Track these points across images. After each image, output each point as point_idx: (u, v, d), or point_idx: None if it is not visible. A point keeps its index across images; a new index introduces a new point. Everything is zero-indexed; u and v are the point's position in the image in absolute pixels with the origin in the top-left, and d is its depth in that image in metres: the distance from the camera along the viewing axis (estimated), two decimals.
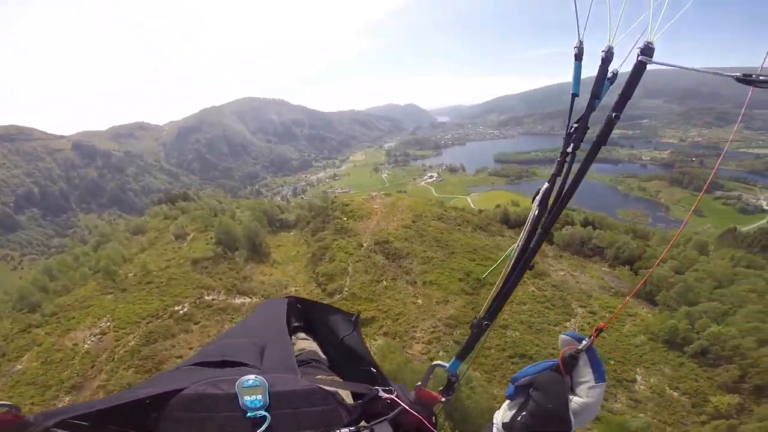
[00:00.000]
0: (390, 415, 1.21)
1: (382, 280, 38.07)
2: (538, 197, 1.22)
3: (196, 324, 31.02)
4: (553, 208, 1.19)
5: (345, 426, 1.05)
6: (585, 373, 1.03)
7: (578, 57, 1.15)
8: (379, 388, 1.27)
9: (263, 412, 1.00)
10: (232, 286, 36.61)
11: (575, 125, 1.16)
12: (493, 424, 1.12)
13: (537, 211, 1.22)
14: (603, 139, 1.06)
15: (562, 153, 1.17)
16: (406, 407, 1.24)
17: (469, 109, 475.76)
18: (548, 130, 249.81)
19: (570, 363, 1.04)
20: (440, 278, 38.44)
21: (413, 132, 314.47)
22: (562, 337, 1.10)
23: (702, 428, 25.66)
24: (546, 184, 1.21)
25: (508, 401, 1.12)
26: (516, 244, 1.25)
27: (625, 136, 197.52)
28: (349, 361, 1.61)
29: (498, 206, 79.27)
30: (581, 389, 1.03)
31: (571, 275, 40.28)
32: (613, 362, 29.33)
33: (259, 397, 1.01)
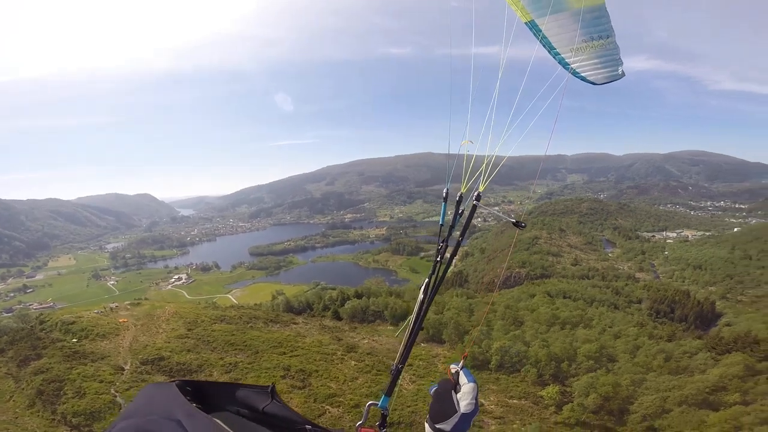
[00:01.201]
0: None
1: None
2: (422, 287, 2.31)
3: None
4: (430, 293, 2.31)
5: None
6: (463, 378, 1.89)
7: (445, 199, 2.56)
8: None
9: None
10: None
11: (442, 243, 2.47)
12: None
13: (422, 296, 2.31)
14: (452, 256, 2.38)
15: (434, 258, 2.36)
16: None
17: (216, 201, 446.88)
18: (296, 219, 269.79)
19: (455, 375, 1.92)
20: (259, 381, 34.47)
21: (149, 228, 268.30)
22: (451, 366, 1.97)
23: (559, 414, 32.17)
24: (426, 279, 2.31)
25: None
26: (411, 317, 2.23)
27: (354, 219, 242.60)
28: (275, 429, 1.69)
29: (274, 298, 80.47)
30: (462, 388, 1.87)
31: (373, 341, 45.57)
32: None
33: None
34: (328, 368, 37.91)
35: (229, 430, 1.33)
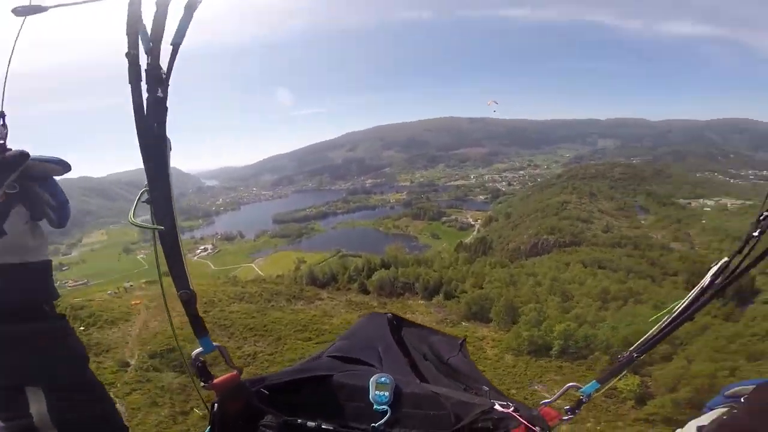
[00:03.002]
0: (502, 428, 1.26)
1: (194, 409, 26.77)
2: (715, 269, 1.48)
3: None
4: (728, 281, 1.46)
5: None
6: None
7: None
8: (496, 402, 1.33)
9: (387, 408, 1.20)
10: None
11: (766, 213, 1.39)
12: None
13: (708, 281, 1.50)
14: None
15: (747, 236, 1.40)
16: (523, 422, 1.26)
17: (240, 171, 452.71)
18: (318, 186, 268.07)
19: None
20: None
21: (176, 200, 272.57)
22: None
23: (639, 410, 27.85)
24: (725, 258, 1.47)
25: (708, 410, 1.29)
26: (683, 301, 1.53)
27: (375, 185, 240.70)
28: (453, 380, 1.72)
29: (297, 268, 76.47)
30: None
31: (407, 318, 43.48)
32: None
33: (387, 393, 1.21)
34: None
35: (408, 370, 1.48)
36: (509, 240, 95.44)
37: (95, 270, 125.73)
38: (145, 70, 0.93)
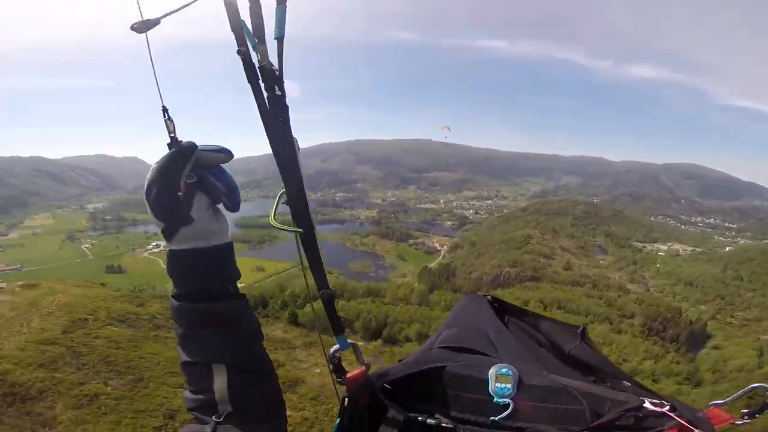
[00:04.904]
0: (652, 428, 1.08)
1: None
2: None
3: None
4: None
5: (589, 430, 1.04)
6: None
7: None
8: (645, 399, 1.13)
9: (509, 401, 1.09)
10: None
11: None
12: None
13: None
14: None
15: None
16: (682, 422, 1.07)
17: None
18: None
19: None
20: (116, 431, 23.86)
21: (133, 191, 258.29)
22: None
23: None
24: None
25: None
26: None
27: (345, 199, 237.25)
28: (582, 372, 1.53)
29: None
30: None
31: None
32: None
33: (509, 385, 1.10)
34: None
35: (530, 358, 1.37)
36: (473, 269, 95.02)
37: (32, 256, 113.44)
38: (258, 67, 0.90)
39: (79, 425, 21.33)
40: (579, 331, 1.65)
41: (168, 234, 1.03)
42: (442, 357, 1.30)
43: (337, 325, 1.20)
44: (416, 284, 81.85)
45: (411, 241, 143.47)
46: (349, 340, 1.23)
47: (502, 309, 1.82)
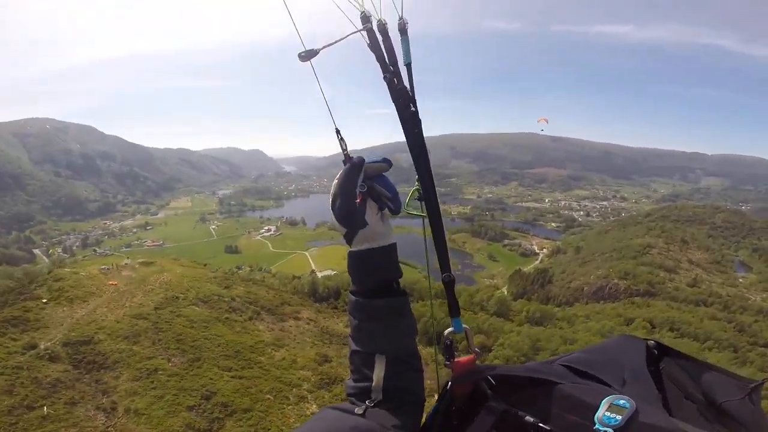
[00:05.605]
0: None
1: (39, 406, 22.52)
2: None
3: None
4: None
5: None
6: None
7: None
8: None
9: (611, 430, 1.01)
10: None
11: None
12: None
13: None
14: None
15: None
16: None
17: (316, 161, 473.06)
18: None
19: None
20: (155, 405, 24.46)
21: (255, 180, 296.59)
22: None
23: None
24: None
25: None
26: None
27: (439, 193, 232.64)
28: (723, 426, 1.34)
29: (312, 272, 75.78)
30: None
31: None
32: None
33: (619, 417, 1.02)
34: (268, 411, 25.78)
35: (658, 403, 1.26)
36: (573, 277, 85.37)
37: (172, 234, 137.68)
38: (397, 89, 1.11)
39: (129, 396, 24.44)
40: (752, 385, 1.39)
41: (348, 238, 1.17)
42: (560, 373, 1.25)
43: (454, 308, 1.27)
44: (505, 287, 76.89)
45: (506, 242, 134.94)
46: (464, 325, 1.27)
47: (660, 356, 1.60)
